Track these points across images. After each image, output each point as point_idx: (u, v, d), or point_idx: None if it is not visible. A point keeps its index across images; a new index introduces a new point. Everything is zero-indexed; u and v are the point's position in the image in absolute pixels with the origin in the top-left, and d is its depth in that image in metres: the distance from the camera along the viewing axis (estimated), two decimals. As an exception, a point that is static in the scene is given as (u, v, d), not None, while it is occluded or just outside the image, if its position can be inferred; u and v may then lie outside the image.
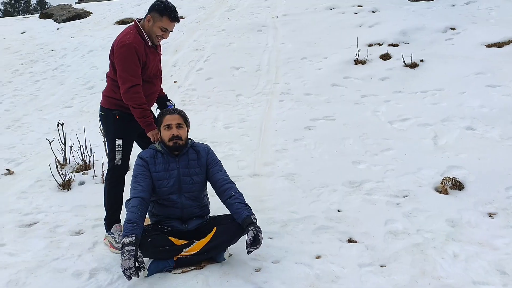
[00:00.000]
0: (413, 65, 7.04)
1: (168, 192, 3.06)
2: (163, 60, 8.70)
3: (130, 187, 2.99)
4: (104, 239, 3.33)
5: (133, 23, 3.25)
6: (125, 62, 3.12)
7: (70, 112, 7.05)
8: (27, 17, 19.28)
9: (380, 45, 8.19)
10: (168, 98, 3.67)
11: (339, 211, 3.73)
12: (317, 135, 5.32)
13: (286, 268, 2.95)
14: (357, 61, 7.59)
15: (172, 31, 3.28)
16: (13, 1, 59.44)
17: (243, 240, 2.94)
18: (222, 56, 8.78)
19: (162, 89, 3.63)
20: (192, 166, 3.14)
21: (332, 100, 6.40)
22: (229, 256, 3.04)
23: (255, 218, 2.93)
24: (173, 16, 3.16)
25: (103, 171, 4.48)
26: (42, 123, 6.65)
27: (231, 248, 3.09)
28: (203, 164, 3.18)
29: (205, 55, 8.98)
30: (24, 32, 14.37)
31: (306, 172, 4.46)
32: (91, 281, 2.81)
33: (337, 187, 4.13)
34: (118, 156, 3.32)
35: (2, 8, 57.95)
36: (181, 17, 12.71)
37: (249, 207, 3.02)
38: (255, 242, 2.80)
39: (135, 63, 3.12)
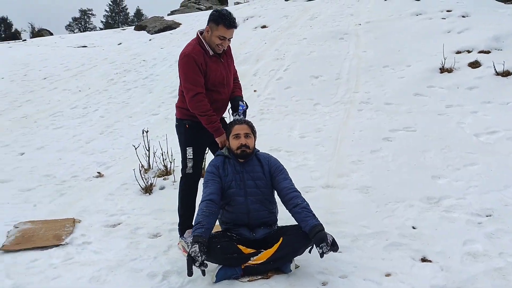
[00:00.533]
0: (506, 74, 6.54)
1: (235, 194, 3.16)
2: (244, 69, 9.02)
3: (202, 193, 3.14)
4: (178, 243, 3.50)
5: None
6: (186, 73, 3.28)
7: (156, 119, 7.49)
8: (124, 29, 20.82)
9: (469, 52, 7.72)
10: (243, 99, 3.66)
11: (414, 227, 3.58)
12: (395, 146, 5.15)
13: (354, 284, 2.89)
14: (443, 69, 7.22)
15: (231, 37, 3.30)
16: (113, 14, 64.42)
17: (312, 254, 2.95)
18: (302, 65, 8.81)
19: (239, 89, 3.68)
20: (256, 171, 3.23)
21: (413, 110, 6.15)
22: (295, 267, 3.05)
23: (323, 227, 2.92)
24: (228, 23, 3.19)
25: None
26: (131, 129, 7.13)
27: (298, 260, 3.10)
28: (266, 172, 3.25)
29: (285, 64, 9.07)
30: (120, 43, 15.51)
31: (382, 186, 4.34)
32: (164, 283, 2.97)
33: (414, 202, 3.97)
34: (189, 164, 3.46)
35: (104, 20, 63.10)
36: (264, 26, 12.97)
37: (317, 217, 3.02)
38: (334, 244, 2.79)
39: (196, 72, 3.24)
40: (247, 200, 3.16)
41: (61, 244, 3.51)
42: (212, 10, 3.31)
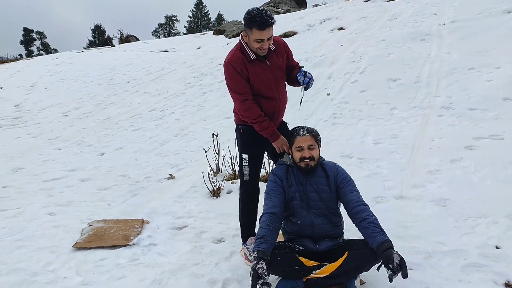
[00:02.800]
0: None
1: (298, 206, 3.05)
2: (318, 72, 8.83)
3: (263, 203, 3.05)
4: (241, 250, 3.46)
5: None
6: (228, 82, 3.16)
7: (228, 123, 7.54)
8: (204, 34, 21.44)
9: None
10: (301, 65, 3.36)
11: (497, 247, 3.24)
12: (479, 156, 4.73)
13: (425, 307, 2.66)
14: (538, 72, 6.55)
15: (270, 36, 3.02)
16: (196, 19, 66.88)
17: (378, 272, 2.76)
18: (379, 68, 8.46)
19: (297, 64, 3.40)
20: (320, 183, 3.08)
21: (502, 116, 5.63)
22: (361, 284, 2.88)
23: (392, 245, 2.71)
24: (260, 25, 2.93)
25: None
26: (204, 132, 7.26)
27: (364, 276, 2.92)
28: (331, 183, 3.08)
29: (361, 67, 8.76)
30: (199, 48, 15.99)
31: (462, 199, 3.99)
32: (223, 291, 2.94)
33: (499, 219, 3.60)
34: (245, 172, 3.35)
35: (187, 25, 65.67)
36: (341, 28, 12.67)
37: (385, 233, 2.81)
38: (402, 267, 2.55)
39: (237, 80, 3.10)
40: (310, 214, 3.03)
41: (128, 245, 3.62)
42: (244, 13, 3.04)
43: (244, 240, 3.45)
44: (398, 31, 10.52)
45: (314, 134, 3.14)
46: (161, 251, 3.55)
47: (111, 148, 6.97)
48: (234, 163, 5.16)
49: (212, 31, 20.45)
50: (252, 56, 3.12)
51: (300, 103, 3.60)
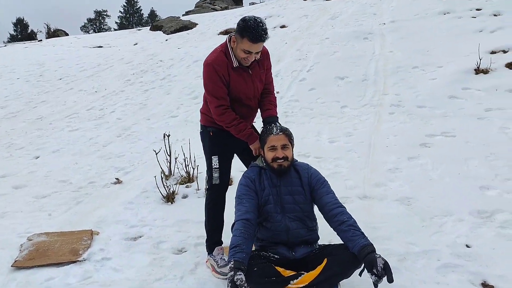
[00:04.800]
0: (549, 75, 6.13)
1: (272, 210, 2.84)
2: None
3: (234, 209, 2.80)
4: (206, 261, 3.18)
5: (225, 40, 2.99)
6: (207, 83, 2.95)
7: (175, 122, 7.19)
8: (140, 30, 20.66)
9: (505, 52, 7.31)
10: (277, 120, 3.15)
11: (468, 246, 3.22)
12: (435, 153, 4.78)
13: (408, 313, 2.55)
14: (478, 70, 6.81)
15: (258, 51, 2.84)
16: (127, 15, 64.65)
17: (359, 277, 2.61)
18: (325, 66, 8.47)
19: (274, 106, 3.22)
20: (294, 185, 2.90)
21: (450, 113, 5.77)
22: (342, 292, 2.72)
23: (374, 248, 2.57)
24: (253, 37, 2.71)
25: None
26: (150, 132, 6.84)
27: (344, 284, 2.76)
28: (305, 185, 2.91)
29: (308, 65, 8.73)
30: (136, 44, 15.34)
31: (424, 197, 3.98)
32: (194, 309, 2.66)
33: (464, 216, 3.60)
34: (215, 175, 3.14)
35: (119, 21, 63.30)
36: (284, 26, 12.64)
37: (366, 236, 2.67)
38: (387, 271, 2.41)
39: (216, 83, 2.90)
40: (285, 218, 2.83)
41: (78, 260, 3.21)
42: (240, 19, 2.83)
43: (210, 250, 3.17)
44: (341, 29, 10.65)
45: (287, 133, 2.93)
46: (117, 266, 3.18)
47: (46, 151, 6.36)
48: (188, 165, 4.84)
49: (149, 27, 19.76)
50: (235, 64, 2.90)
51: None
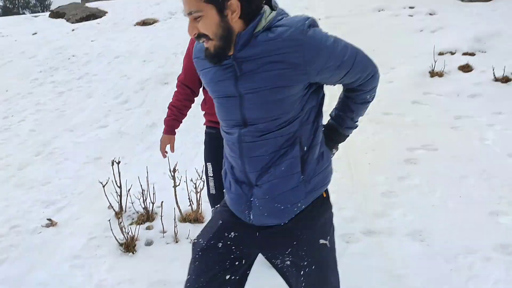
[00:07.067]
0: (505, 80, 6.06)
1: None
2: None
3: None
4: None
5: None
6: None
7: (106, 134, 6.04)
8: (36, 16, 18.27)
9: (452, 53, 7.22)
10: None
11: (513, 295, 2.77)
12: (424, 171, 4.35)
13: None
14: (432, 73, 6.61)
15: None
16: (12, -3, 58.34)
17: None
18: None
19: None
20: None
21: (420, 122, 5.42)
22: None
23: None
24: None
25: (175, 226, 3.52)
26: (77, 148, 5.65)
27: (344, 284, 2.14)
28: None
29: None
30: (35, 33, 13.39)
31: (435, 229, 3.49)
32: None
33: (489, 253, 3.16)
34: (211, 183, 2.92)
35: (2, 4, 56.83)
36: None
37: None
38: None
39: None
40: None
41: None
42: None
43: None
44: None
45: None
46: None
47: None
48: (146, 199, 3.88)
49: (48, 14, 17.52)
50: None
51: None
